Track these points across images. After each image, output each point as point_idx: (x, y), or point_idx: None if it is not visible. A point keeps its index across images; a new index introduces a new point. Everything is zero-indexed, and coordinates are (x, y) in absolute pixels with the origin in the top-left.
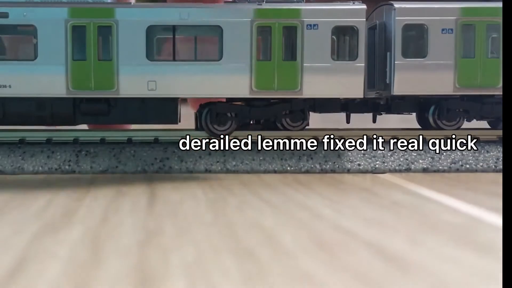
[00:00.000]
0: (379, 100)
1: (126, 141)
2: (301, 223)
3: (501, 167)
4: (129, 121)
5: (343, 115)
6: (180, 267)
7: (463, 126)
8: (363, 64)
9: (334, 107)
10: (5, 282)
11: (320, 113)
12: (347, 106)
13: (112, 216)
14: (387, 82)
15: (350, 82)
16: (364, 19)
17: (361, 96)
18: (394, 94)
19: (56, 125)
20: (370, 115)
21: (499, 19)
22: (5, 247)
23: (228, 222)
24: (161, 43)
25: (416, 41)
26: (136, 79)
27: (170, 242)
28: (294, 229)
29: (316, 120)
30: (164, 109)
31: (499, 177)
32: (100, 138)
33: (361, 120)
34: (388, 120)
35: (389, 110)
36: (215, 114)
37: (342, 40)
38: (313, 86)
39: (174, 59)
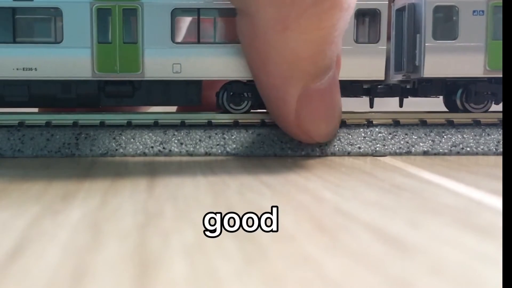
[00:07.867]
0: (405, 83)
1: (125, 124)
2: (302, 205)
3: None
4: (153, 103)
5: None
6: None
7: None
8: (385, 47)
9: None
10: (5, 265)
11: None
12: (370, 90)
13: (111, 199)
14: (417, 64)
15: (372, 65)
16: (387, 2)
17: (382, 78)
18: (424, 76)
19: (81, 108)
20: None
21: None
22: (5, 230)
23: (229, 204)
24: (186, 26)
25: (447, 22)
26: (161, 62)
27: (170, 225)
28: (295, 212)
29: None
30: (188, 91)
31: (499, 160)
32: (100, 121)
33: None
34: (388, 104)
35: (416, 94)
36: (231, 94)
37: (365, 22)
38: None
39: (199, 42)
